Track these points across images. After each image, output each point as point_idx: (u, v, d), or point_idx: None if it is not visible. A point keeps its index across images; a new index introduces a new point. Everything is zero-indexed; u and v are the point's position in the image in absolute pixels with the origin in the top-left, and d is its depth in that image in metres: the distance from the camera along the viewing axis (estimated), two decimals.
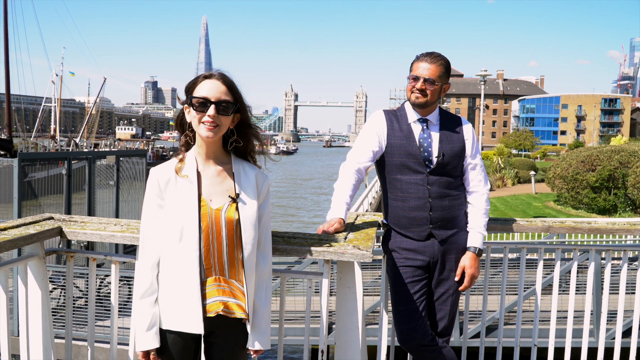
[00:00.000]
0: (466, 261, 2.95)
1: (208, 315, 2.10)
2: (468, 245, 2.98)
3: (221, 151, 2.19)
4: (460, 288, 2.98)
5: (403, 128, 2.96)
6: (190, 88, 2.12)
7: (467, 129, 3.03)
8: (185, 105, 2.13)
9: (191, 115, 2.11)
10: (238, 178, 2.17)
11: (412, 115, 2.98)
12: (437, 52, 2.94)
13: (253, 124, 2.22)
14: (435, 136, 2.95)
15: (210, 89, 2.07)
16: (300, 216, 29.27)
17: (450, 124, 3.01)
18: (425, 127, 2.96)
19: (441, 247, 2.93)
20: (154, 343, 2.11)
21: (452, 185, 2.95)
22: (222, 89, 2.08)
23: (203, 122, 2.06)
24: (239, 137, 2.19)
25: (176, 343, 2.14)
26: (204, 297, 2.10)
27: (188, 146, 2.21)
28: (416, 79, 2.89)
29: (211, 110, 2.05)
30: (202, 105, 2.06)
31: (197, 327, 2.08)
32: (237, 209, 2.13)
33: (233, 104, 2.09)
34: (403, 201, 2.92)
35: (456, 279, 2.97)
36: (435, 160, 2.91)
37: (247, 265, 2.13)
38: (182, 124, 2.20)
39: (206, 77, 2.11)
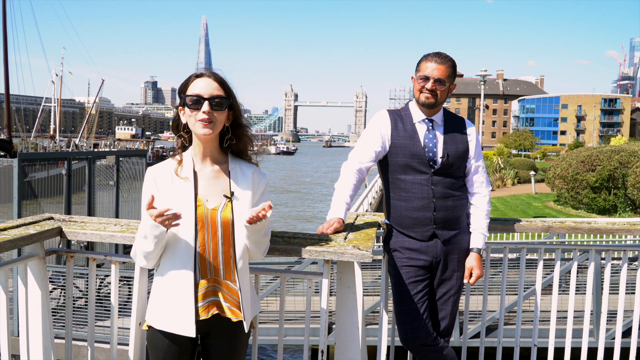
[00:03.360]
0: (472, 262, 2.97)
1: (202, 318, 2.09)
2: (471, 246, 2.99)
3: (218, 151, 2.18)
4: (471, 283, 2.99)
5: (407, 128, 2.95)
6: (183, 88, 2.12)
7: (471, 130, 3.03)
8: (180, 107, 2.13)
9: (186, 115, 2.11)
10: (234, 177, 2.16)
11: (417, 116, 2.98)
12: (444, 53, 2.94)
13: (245, 123, 2.20)
14: (440, 137, 2.95)
15: (202, 87, 2.08)
16: (299, 215, 29.26)
17: (454, 125, 3.01)
18: (430, 128, 2.96)
19: (444, 248, 2.93)
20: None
21: (455, 185, 2.95)
22: (214, 85, 2.09)
23: (198, 120, 2.06)
24: (233, 136, 2.18)
25: (171, 344, 2.12)
26: (197, 299, 2.08)
27: (184, 148, 2.21)
28: (426, 79, 2.88)
29: (205, 106, 2.05)
30: (196, 102, 2.06)
31: (189, 330, 2.07)
32: (232, 208, 2.12)
33: (226, 99, 2.09)
34: (406, 201, 2.92)
35: (465, 281, 2.98)
36: (439, 160, 2.91)
37: (240, 264, 2.12)
38: (177, 126, 2.20)
39: (198, 76, 2.11)
